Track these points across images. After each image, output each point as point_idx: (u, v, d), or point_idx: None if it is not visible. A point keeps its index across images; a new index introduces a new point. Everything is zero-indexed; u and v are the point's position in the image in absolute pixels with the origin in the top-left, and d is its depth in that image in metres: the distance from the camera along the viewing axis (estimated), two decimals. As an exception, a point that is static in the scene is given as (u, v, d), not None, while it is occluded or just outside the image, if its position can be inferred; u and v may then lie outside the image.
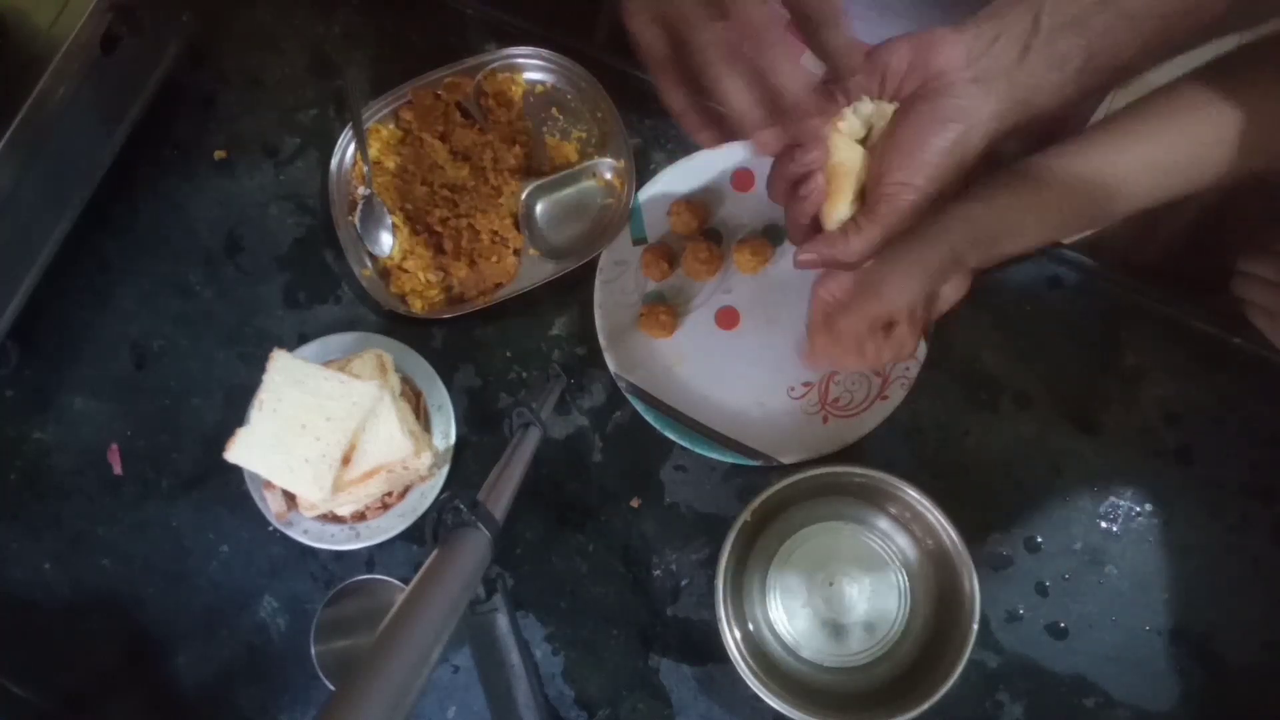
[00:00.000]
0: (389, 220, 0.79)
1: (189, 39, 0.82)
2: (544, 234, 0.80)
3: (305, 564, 0.78)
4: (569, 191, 0.80)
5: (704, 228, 0.77)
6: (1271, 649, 0.71)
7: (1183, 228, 0.89)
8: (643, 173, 0.79)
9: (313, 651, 0.74)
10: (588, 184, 0.80)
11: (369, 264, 0.79)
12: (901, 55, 0.51)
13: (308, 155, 0.83)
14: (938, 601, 0.72)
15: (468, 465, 0.78)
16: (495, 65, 0.80)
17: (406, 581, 0.71)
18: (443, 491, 0.76)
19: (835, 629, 0.73)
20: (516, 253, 0.79)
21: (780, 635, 0.74)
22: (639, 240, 0.78)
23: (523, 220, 0.78)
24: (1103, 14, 0.46)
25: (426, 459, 0.74)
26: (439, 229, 0.79)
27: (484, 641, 0.53)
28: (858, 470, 0.70)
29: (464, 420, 0.78)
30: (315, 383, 0.71)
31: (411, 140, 0.81)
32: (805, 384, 0.76)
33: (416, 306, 0.78)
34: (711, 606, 0.69)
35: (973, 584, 0.67)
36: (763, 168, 0.63)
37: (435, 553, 0.50)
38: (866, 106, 0.53)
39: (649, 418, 0.75)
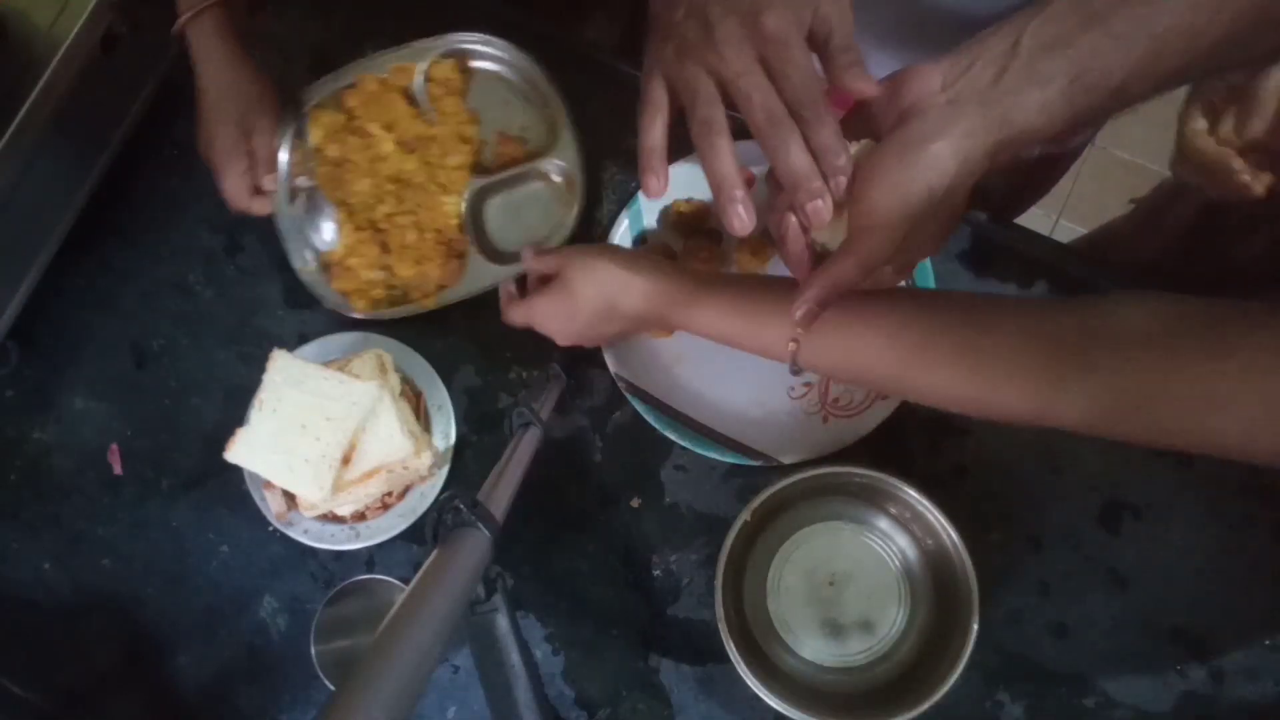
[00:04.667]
0: (331, 213, 0.77)
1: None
2: (490, 236, 0.78)
3: (305, 564, 0.78)
4: (516, 192, 0.78)
5: (704, 228, 0.77)
6: (1271, 649, 0.71)
7: (1183, 226, 0.89)
8: (643, 173, 0.79)
9: (313, 651, 0.74)
10: (535, 185, 0.78)
11: (309, 259, 0.77)
12: (880, 94, 0.51)
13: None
14: (938, 602, 0.72)
15: (468, 465, 0.78)
16: (443, 51, 0.78)
17: (406, 581, 0.71)
18: (443, 491, 0.76)
19: (835, 629, 0.73)
20: (461, 255, 0.77)
21: (780, 635, 0.74)
22: (639, 240, 0.78)
23: (468, 221, 0.77)
24: (1088, 34, 0.46)
25: (426, 459, 0.74)
26: (383, 225, 0.76)
27: (484, 641, 0.53)
28: (858, 470, 0.70)
29: (464, 420, 0.78)
30: (315, 383, 0.71)
31: (355, 129, 0.77)
32: (805, 384, 0.75)
33: (359, 306, 0.76)
34: (711, 606, 0.69)
35: (972, 584, 0.67)
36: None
37: (435, 553, 0.50)
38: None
39: (649, 418, 0.75)
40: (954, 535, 0.68)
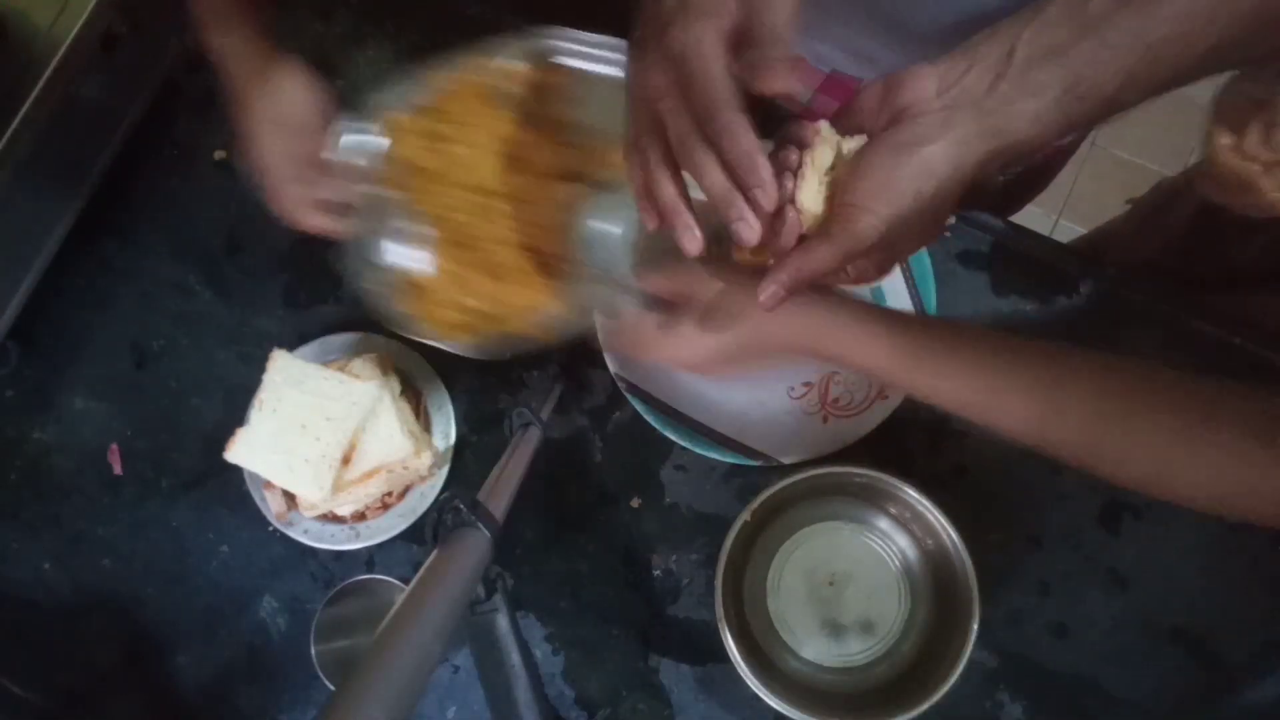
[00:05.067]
0: (410, 228, 0.66)
1: (189, 39, 0.82)
2: (596, 254, 0.67)
3: (305, 564, 0.78)
4: (623, 201, 0.66)
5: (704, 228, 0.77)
6: (1271, 649, 0.71)
7: (1182, 227, 0.89)
8: (643, 173, 0.79)
9: (313, 651, 0.74)
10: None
11: (377, 276, 0.67)
12: (873, 93, 0.50)
13: (308, 155, 0.83)
14: (938, 602, 0.72)
15: (468, 465, 0.78)
16: (537, 51, 0.68)
17: (406, 581, 0.71)
18: (443, 491, 0.76)
19: (834, 629, 0.73)
20: (562, 275, 0.66)
21: (780, 635, 0.74)
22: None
23: (569, 237, 0.66)
24: (1083, 44, 0.46)
25: (426, 459, 0.74)
26: (473, 242, 0.66)
27: (484, 641, 0.53)
28: (858, 470, 0.70)
29: (464, 420, 0.78)
30: (315, 383, 0.71)
31: (440, 135, 0.67)
32: (805, 384, 0.75)
33: (441, 331, 0.66)
34: (711, 606, 0.69)
35: (972, 584, 0.67)
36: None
37: (435, 553, 0.50)
38: (832, 137, 0.52)
39: (649, 418, 0.75)
40: (954, 535, 0.68)
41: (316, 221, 0.69)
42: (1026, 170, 0.91)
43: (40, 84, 0.69)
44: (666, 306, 0.64)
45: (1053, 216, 1.83)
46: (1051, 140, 0.48)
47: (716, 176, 0.48)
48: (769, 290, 0.53)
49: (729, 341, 0.61)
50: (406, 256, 0.66)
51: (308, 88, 0.69)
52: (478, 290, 0.65)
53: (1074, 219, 1.82)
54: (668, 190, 0.50)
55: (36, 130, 0.70)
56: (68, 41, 0.69)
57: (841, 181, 0.49)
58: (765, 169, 0.47)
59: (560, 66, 0.68)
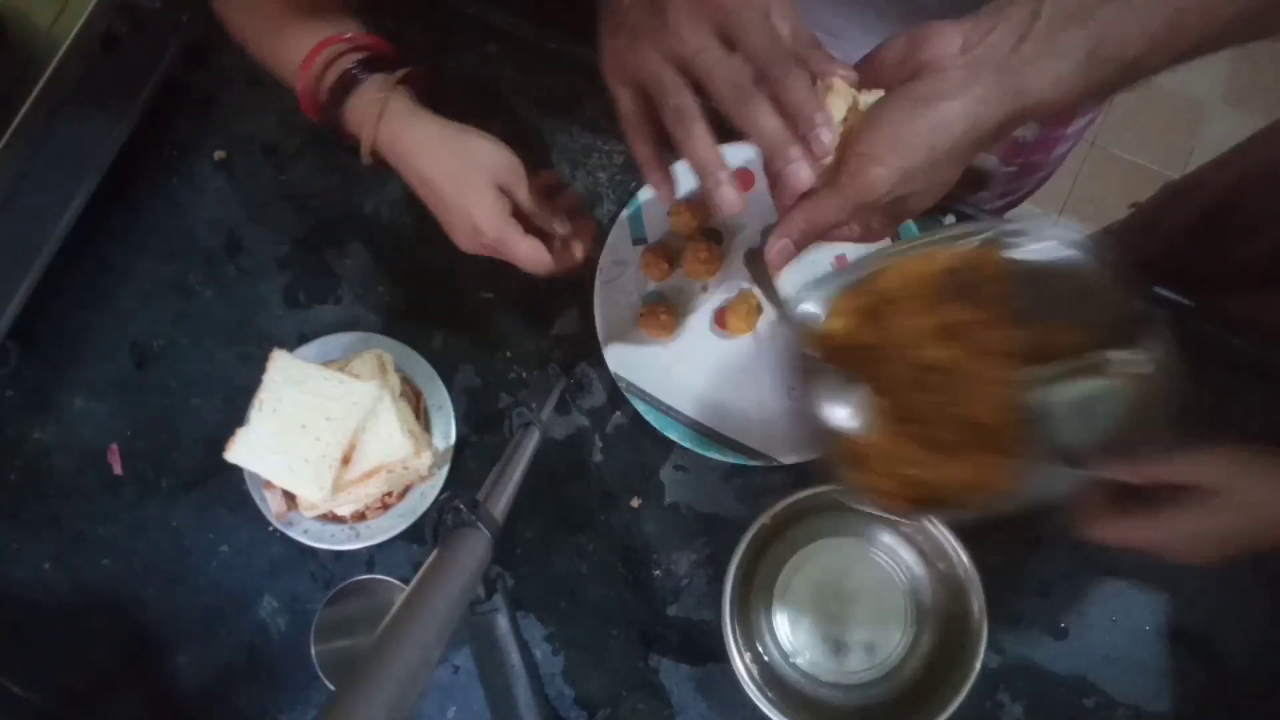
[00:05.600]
0: (853, 394, 0.66)
1: (189, 39, 0.82)
2: (1052, 435, 0.66)
3: (305, 564, 0.78)
4: (1078, 385, 0.66)
5: (704, 228, 0.77)
6: (1271, 649, 0.71)
7: (1184, 225, 0.89)
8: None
9: (313, 651, 0.74)
10: (1101, 379, 0.66)
11: (823, 440, 0.66)
12: (896, 48, 0.50)
13: (308, 155, 0.83)
14: (943, 629, 0.71)
15: (468, 465, 0.78)
16: (989, 236, 0.66)
17: (406, 581, 0.71)
18: (443, 491, 0.76)
19: (837, 645, 0.73)
20: (1013, 455, 0.65)
21: (782, 644, 0.73)
22: (639, 240, 0.78)
23: (1023, 417, 0.65)
24: (1108, 6, 0.45)
25: (426, 459, 0.74)
26: (915, 415, 0.66)
27: (484, 641, 0.53)
28: None
29: (464, 420, 0.78)
30: (315, 383, 0.71)
31: (885, 312, 0.67)
32: (805, 384, 0.75)
33: (900, 507, 0.66)
34: (711, 607, 0.69)
35: (982, 618, 0.66)
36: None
37: (435, 553, 0.50)
38: (846, 90, 0.52)
39: (649, 418, 0.75)
40: (967, 562, 0.68)
41: (563, 260, 0.68)
42: (1022, 169, 0.91)
43: (40, 84, 0.69)
44: (1128, 488, 0.61)
45: (1053, 217, 1.83)
46: (1071, 104, 0.48)
47: (773, 121, 0.48)
48: (778, 245, 0.53)
49: (1232, 527, 0.56)
50: (846, 423, 0.66)
51: (476, 142, 0.67)
52: (918, 463, 0.65)
53: (1074, 219, 1.82)
54: (707, 147, 0.51)
55: (36, 130, 0.70)
56: (68, 41, 0.69)
57: (855, 132, 0.49)
58: (822, 115, 0.48)
59: (1007, 247, 0.66)
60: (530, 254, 0.66)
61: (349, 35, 0.66)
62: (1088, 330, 0.65)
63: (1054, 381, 0.65)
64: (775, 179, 0.51)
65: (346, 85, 0.65)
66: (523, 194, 0.66)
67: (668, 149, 0.55)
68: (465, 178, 0.64)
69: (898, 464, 0.65)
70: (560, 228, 0.68)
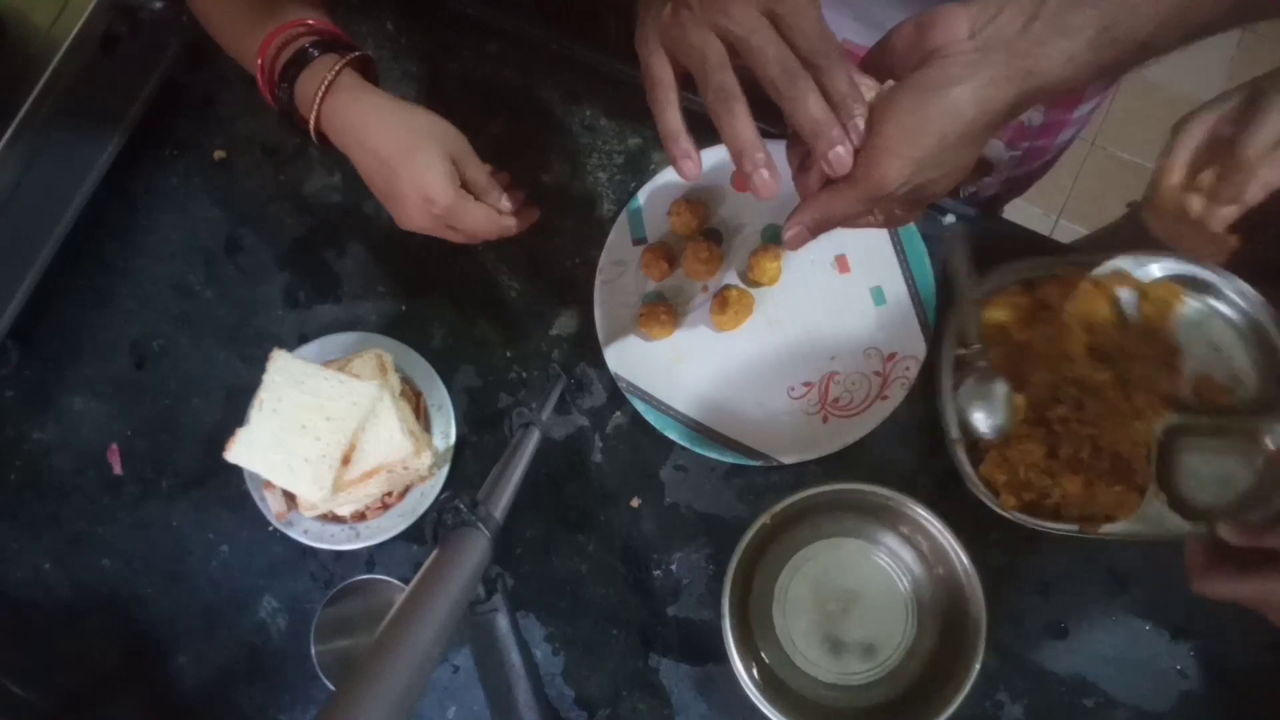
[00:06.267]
0: (1002, 397, 0.69)
1: (189, 39, 0.82)
2: (1178, 481, 0.67)
3: (305, 564, 0.78)
4: (1215, 443, 0.67)
5: (704, 228, 0.77)
6: (1271, 649, 0.71)
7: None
8: (643, 172, 0.80)
9: (313, 651, 0.74)
10: (1241, 443, 0.67)
11: (957, 432, 0.70)
12: (904, 34, 0.51)
13: (307, 155, 0.83)
14: (943, 632, 0.71)
15: (468, 465, 0.78)
16: (1172, 274, 0.69)
17: (406, 581, 0.71)
18: (443, 491, 0.76)
19: (836, 646, 0.73)
20: (1138, 489, 0.67)
21: (781, 645, 0.73)
22: (639, 240, 0.78)
23: (1155, 457, 0.67)
24: None
25: (426, 459, 0.74)
26: (1057, 429, 0.68)
27: (484, 641, 0.53)
28: (879, 490, 0.69)
29: (464, 420, 0.78)
30: (315, 383, 0.71)
31: (1046, 318, 0.70)
32: (805, 383, 0.75)
33: (1008, 503, 0.69)
34: (711, 606, 0.69)
35: (982, 620, 0.67)
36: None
37: (435, 553, 0.50)
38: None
39: (649, 418, 0.75)
40: (967, 562, 0.68)
41: (508, 223, 0.71)
42: (1029, 151, 0.90)
43: (40, 84, 0.69)
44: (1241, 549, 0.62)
45: (1053, 216, 1.83)
46: (1082, 84, 0.48)
47: (819, 104, 0.49)
48: (792, 230, 0.53)
49: None
50: (988, 421, 0.69)
51: (422, 116, 0.68)
52: (1038, 468, 0.68)
53: (1074, 219, 1.82)
54: (748, 128, 0.51)
55: (36, 130, 0.70)
56: (68, 41, 0.69)
57: (868, 124, 0.50)
58: (862, 107, 0.49)
59: (1178, 289, 0.69)
60: (483, 219, 0.68)
61: (311, 21, 0.68)
62: (1243, 392, 0.67)
63: (1197, 434, 0.67)
64: (815, 160, 0.51)
65: (300, 62, 0.67)
66: (473, 167, 0.69)
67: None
68: (418, 147, 0.65)
69: (1029, 467, 0.68)
70: (506, 204, 0.71)
